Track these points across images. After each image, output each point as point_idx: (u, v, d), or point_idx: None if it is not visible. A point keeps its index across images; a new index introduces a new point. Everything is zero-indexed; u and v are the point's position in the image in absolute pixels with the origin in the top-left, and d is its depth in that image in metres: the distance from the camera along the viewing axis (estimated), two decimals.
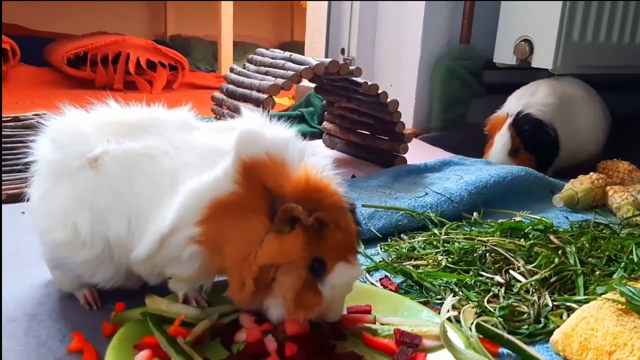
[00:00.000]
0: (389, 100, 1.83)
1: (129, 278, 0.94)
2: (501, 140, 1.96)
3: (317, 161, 0.86)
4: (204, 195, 0.82)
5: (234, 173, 0.82)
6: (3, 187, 1.48)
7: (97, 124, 0.92)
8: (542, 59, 2.14)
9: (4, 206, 1.40)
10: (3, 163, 1.58)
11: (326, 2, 2.63)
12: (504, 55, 2.26)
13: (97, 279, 0.92)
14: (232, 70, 1.92)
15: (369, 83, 1.81)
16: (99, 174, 0.88)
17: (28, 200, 0.96)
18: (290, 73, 1.70)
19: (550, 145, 1.98)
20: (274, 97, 1.67)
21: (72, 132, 0.91)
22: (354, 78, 1.84)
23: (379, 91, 1.81)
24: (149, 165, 0.87)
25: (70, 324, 0.92)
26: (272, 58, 1.87)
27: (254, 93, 1.69)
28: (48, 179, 0.92)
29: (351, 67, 1.79)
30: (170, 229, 0.83)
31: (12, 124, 1.73)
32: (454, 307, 0.98)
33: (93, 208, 0.88)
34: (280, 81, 1.67)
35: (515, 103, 2.02)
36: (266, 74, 1.78)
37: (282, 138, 0.87)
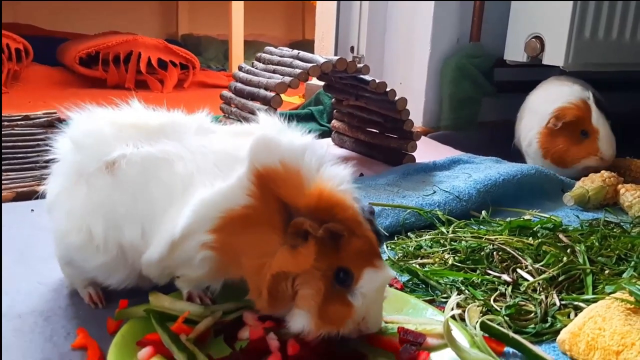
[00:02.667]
0: (397, 98, 1.82)
1: (142, 279, 0.94)
2: (605, 121, 1.84)
3: (334, 172, 0.84)
4: (217, 204, 0.81)
5: (248, 184, 0.81)
6: (13, 185, 1.49)
7: (119, 125, 0.92)
8: (553, 56, 2.12)
9: (14, 204, 1.42)
10: (14, 161, 1.60)
11: (336, 0, 2.63)
12: (515, 52, 2.24)
13: (111, 281, 0.93)
14: (240, 68, 1.93)
15: (377, 81, 1.80)
16: (115, 179, 0.87)
17: (41, 197, 0.97)
18: (298, 71, 1.69)
19: None
20: (281, 95, 1.67)
21: (92, 133, 0.91)
22: (362, 76, 1.83)
23: (387, 89, 1.81)
24: (165, 170, 0.87)
25: (75, 320, 0.93)
26: (280, 56, 1.87)
27: (262, 91, 1.69)
28: (66, 179, 0.92)
29: (359, 65, 1.78)
30: (181, 236, 0.82)
31: (22, 122, 1.75)
32: (459, 306, 0.97)
33: (108, 214, 0.87)
34: (287, 79, 1.67)
35: (573, 92, 1.91)
36: (274, 72, 1.78)
37: (298, 146, 0.84)
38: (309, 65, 1.70)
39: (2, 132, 1.68)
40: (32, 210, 1.35)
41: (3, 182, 1.50)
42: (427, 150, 2.04)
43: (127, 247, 0.88)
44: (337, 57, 1.74)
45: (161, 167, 0.87)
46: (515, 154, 2.07)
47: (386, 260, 1.19)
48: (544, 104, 1.96)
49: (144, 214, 0.86)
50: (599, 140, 1.83)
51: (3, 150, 1.61)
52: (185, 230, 0.82)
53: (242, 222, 0.81)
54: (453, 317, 0.90)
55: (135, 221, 0.86)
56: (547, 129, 1.90)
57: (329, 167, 0.85)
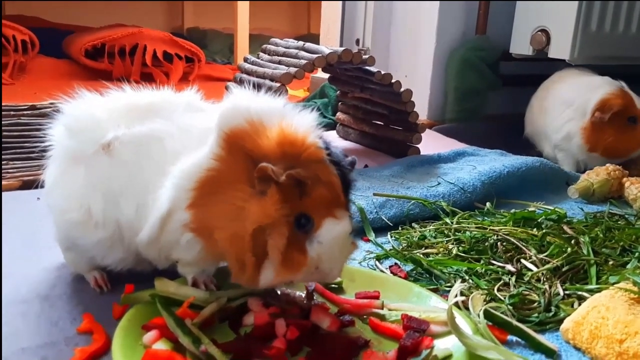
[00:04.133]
0: (402, 89, 1.82)
1: (140, 261, 0.95)
2: None
3: (296, 119, 0.83)
4: (192, 175, 0.83)
5: (216, 149, 0.82)
6: (19, 174, 1.50)
7: (110, 108, 0.93)
8: (559, 49, 2.11)
9: (20, 192, 1.43)
10: (19, 151, 1.61)
11: None
12: (521, 45, 2.23)
13: (108, 260, 0.94)
14: (246, 60, 1.93)
15: (383, 72, 1.80)
16: (111, 159, 0.89)
17: (43, 186, 0.98)
18: (303, 62, 1.69)
19: None
20: (287, 86, 1.67)
21: (86, 118, 0.93)
22: (367, 67, 1.83)
23: (393, 80, 1.80)
24: (156, 148, 0.88)
25: (81, 305, 0.94)
26: (286, 47, 1.87)
27: (267, 82, 1.69)
28: (63, 162, 0.94)
29: (364, 56, 1.78)
30: (168, 211, 0.84)
31: (29, 112, 1.76)
32: (462, 294, 0.97)
33: (106, 191, 0.89)
34: (293, 70, 1.67)
35: (607, 81, 1.92)
36: (279, 63, 1.78)
37: (266, 107, 0.84)
38: (315, 56, 1.70)
39: (9, 122, 1.69)
40: (38, 198, 1.35)
41: (9, 170, 1.52)
42: (431, 143, 2.04)
43: (124, 226, 0.89)
44: (342, 48, 1.74)
45: (152, 145, 0.88)
46: (524, 146, 2.06)
47: (390, 250, 1.19)
48: (579, 96, 1.92)
49: (138, 192, 0.88)
50: None
51: (10, 140, 1.63)
52: (170, 204, 0.83)
53: (211, 188, 0.81)
54: (457, 305, 0.90)
55: (131, 199, 0.88)
56: (591, 122, 1.86)
57: (292, 117, 0.84)
